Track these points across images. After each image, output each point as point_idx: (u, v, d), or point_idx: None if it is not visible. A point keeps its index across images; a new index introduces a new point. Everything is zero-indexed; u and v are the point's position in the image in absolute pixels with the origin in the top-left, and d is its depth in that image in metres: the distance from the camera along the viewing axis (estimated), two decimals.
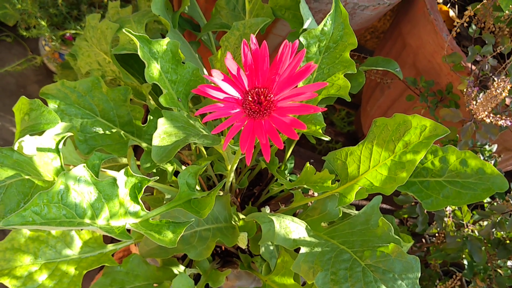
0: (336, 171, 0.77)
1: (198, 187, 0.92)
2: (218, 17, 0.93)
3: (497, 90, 0.76)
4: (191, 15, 0.97)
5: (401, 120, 0.70)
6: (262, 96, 0.53)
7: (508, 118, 0.83)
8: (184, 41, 0.93)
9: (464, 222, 0.96)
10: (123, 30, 0.73)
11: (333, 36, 0.78)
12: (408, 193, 0.85)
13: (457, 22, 0.92)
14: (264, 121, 0.52)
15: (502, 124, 0.83)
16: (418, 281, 0.69)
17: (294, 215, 0.98)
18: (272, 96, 0.53)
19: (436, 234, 1.10)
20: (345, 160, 0.76)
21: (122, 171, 0.63)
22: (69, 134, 0.69)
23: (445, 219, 0.97)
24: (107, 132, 0.82)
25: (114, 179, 0.61)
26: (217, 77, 0.51)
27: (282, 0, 0.87)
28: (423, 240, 1.31)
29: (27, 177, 0.60)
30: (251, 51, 0.52)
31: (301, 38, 0.77)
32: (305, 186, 0.84)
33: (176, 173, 0.85)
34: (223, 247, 1.02)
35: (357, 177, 0.75)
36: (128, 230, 0.65)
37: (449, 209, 0.96)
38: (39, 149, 0.65)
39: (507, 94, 0.77)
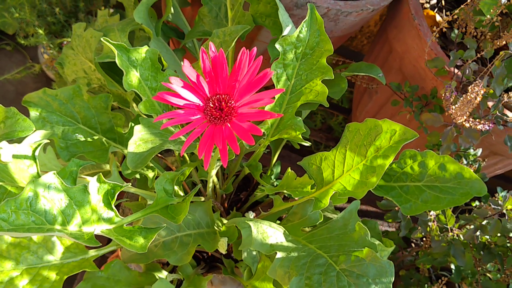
0: (311, 176, 0.78)
1: (181, 193, 0.93)
2: (201, 25, 0.94)
3: (471, 95, 0.77)
4: (176, 23, 0.98)
5: (372, 125, 0.70)
6: (223, 102, 0.54)
7: (486, 123, 0.83)
8: (168, 48, 0.95)
9: (448, 227, 0.96)
10: (101, 39, 0.75)
11: (309, 43, 0.79)
12: (387, 198, 0.85)
13: (442, 27, 0.93)
14: (225, 126, 0.53)
15: (481, 128, 0.83)
16: (391, 285, 0.69)
17: (280, 219, 0.99)
18: (233, 102, 0.54)
19: (424, 239, 1.10)
20: (320, 165, 0.77)
21: (95, 177, 0.65)
22: (46, 141, 0.70)
23: (429, 223, 0.97)
24: (89, 139, 0.84)
25: (85, 186, 0.62)
26: (176, 84, 0.52)
27: (262, 7, 0.88)
28: (413, 245, 1.31)
29: (0, 183, 0.61)
30: (210, 58, 0.53)
31: (277, 45, 0.77)
32: (285, 191, 0.85)
33: None
34: (209, 253, 1.03)
35: (332, 181, 0.76)
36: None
37: (433, 213, 0.97)
38: (15, 156, 0.66)
39: (481, 99, 0.77)
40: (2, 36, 1.75)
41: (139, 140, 0.73)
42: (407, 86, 1.01)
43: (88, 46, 0.93)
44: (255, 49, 0.52)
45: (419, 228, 0.97)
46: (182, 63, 0.99)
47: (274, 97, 0.82)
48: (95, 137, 0.84)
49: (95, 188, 0.64)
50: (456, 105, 0.81)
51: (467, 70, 0.90)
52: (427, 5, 1.15)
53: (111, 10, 1.67)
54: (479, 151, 0.98)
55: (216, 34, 0.85)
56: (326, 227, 0.82)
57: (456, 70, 0.97)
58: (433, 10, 1.15)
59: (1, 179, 0.62)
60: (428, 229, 0.98)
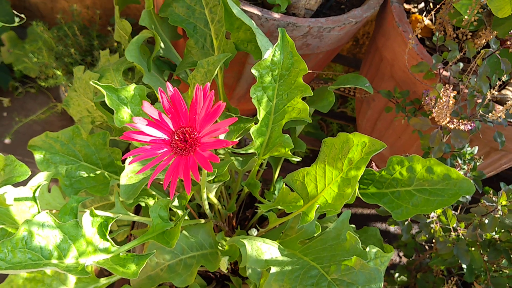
0: (296, 191, 0.81)
1: (186, 217, 0.98)
2: (189, 56, 0.99)
3: (444, 99, 0.78)
4: (168, 57, 1.04)
5: (344, 139, 0.73)
6: (187, 134, 0.58)
7: (468, 123, 0.84)
8: (162, 81, 1.00)
9: (450, 227, 0.97)
10: (91, 82, 0.81)
11: (284, 65, 0.83)
12: (379, 204, 0.88)
13: (417, 33, 0.95)
14: (189, 156, 0.57)
15: (463, 128, 0.85)
16: None
17: None
18: (195, 133, 0.58)
19: (433, 240, 1.11)
20: (303, 181, 0.80)
21: (87, 212, 0.70)
22: (45, 182, 0.76)
23: (432, 225, 0.98)
24: (91, 174, 0.90)
25: (77, 221, 0.67)
26: (140, 123, 0.57)
27: (242, 34, 0.92)
28: (427, 247, 1.31)
29: (0, 226, 0.67)
30: (168, 97, 0.57)
31: (253, 70, 0.81)
32: (279, 207, 0.89)
33: None
34: (222, 272, 1.07)
35: (316, 195, 0.79)
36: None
37: (433, 215, 0.98)
38: (16, 199, 0.72)
39: (454, 101, 0.79)
40: (26, 79, 1.86)
41: (131, 172, 0.78)
42: (397, 92, 1.03)
43: (88, 87, 1.00)
44: (208, 84, 0.57)
45: (421, 231, 0.99)
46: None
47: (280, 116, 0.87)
48: (97, 172, 0.90)
49: (89, 221, 0.70)
50: (435, 109, 0.83)
51: (450, 72, 0.92)
52: (415, 10, 1.17)
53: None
54: (476, 149, 0.99)
55: (200, 64, 0.89)
56: (320, 238, 0.85)
57: (444, 72, 0.99)
58: (422, 14, 1.17)
59: (2, 222, 0.68)
60: (432, 231, 1.00)
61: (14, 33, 1.81)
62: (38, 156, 0.87)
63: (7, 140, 1.72)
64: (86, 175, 0.89)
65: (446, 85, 0.80)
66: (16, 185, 0.76)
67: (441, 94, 0.80)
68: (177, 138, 0.59)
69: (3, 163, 0.73)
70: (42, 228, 0.65)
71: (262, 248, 0.81)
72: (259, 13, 0.98)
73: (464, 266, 1.08)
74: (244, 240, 0.81)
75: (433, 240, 1.09)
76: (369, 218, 1.73)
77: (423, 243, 1.32)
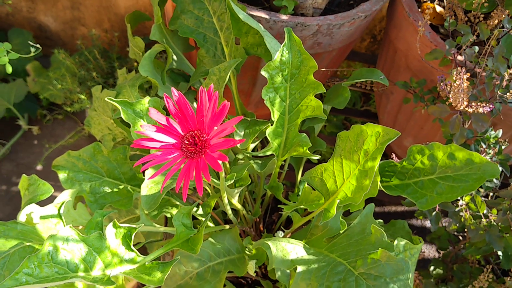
0: (316, 188, 0.81)
1: (211, 224, 0.99)
2: (202, 66, 1.00)
3: (457, 82, 0.77)
4: (181, 69, 1.05)
5: (358, 131, 0.73)
6: (196, 138, 0.59)
7: (486, 105, 0.83)
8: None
9: (481, 213, 0.95)
10: (106, 98, 0.83)
11: (293, 64, 0.83)
12: (403, 195, 0.87)
13: (427, 20, 0.94)
14: (200, 159, 0.58)
15: (482, 111, 0.83)
16: (409, 281, 0.70)
17: None
18: (204, 136, 0.59)
19: (466, 230, 1.08)
20: (322, 177, 0.80)
21: (110, 224, 0.71)
22: (68, 199, 0.78)
23: (461, 213, 0.96)
24: (115, 189, 0.91)
25: (100, 233, 0.69)
26: (148, 129, 0.58)
27: (251, 39, 0.93)
28: (460, 238, 1.28)
29: (28, 243, 0.69)
30: (174, 102, 0.58)
31: (262, 72, 0.82)
32: (302, 206, 0.88)
33: None
34: (253, 278, 1.07)
35: (336, 191, 0.78)
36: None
37: (462, 202, 0.96)
38: (42, 217, 0.74)
39: (468, 84, 0.77)
40: (53, 107, 1.91)
41: (151, 183, 0.80)
42: (414, 82, 1.02)
43: (106, 106, 1.02)
44: (212, 86, 0.58)
45: (451, 220, 0.97)
46: (194, 104, 1.06)
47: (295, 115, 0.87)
48: (121, 187, 0.92)
49: (112, 233, 0.71)
50: (451, 94, 0.82)
51: (464, 56, 0.90)
52: None
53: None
54: (500, 133, 0.97)
55: (212, 72, 0.90)
56: (345, 234, 0.84)
57: (460, 57, 0.98)
58: (433, 2, 1.15)
59: (29, 240, 0.70)
60: (462, 219, 0.97)
61: (38, 63, 1.86)
62: (62, 175, 0.89)
63: (39, 167, 1.77)
64: (110, 190, 0.91)
65: (458, 68, 0.78)
66: (42, 204, 0.79)
67: (454, 78, 0.79)
68: (187, 142, 0.59)
69: (27, 183, 0.75)
70: (66, 242, 0.66)
71: (287, 249, 0.81)
72: (267, 16, 0.98)
73: (499, 253, 1.05)
74: (269, 241, 0.81)
75: (465, 230, 1.07)
76: (404, 216, 1.70)
77: (457, 234, 1.29)
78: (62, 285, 0.88)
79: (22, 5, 1.82)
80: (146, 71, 0.97)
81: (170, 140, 0.59)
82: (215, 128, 0.58)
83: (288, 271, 0.95)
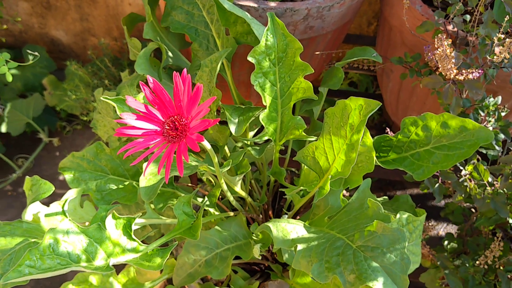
0: (310, 167, 0.82)
1: (217, 213, 1.01)
2: (197, 60, 1.02)
3: (440, 50, 0.77)
4: (178, 65, 1.08)
5: (343, 106, 0.73)
6: (176, 122, 0.61)
7: (476, 70, 0.82)
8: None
9: (485, 182, 0.94)
10: (101, 98, 0.85)
11: (279, 47, 0.84)
12: (400, 169, 0.87)
13: None
14: (181, 142, 0.60)
15: (472, 77, 0.83)
16: (405, 249, 0.71)
17: None
18: (184, 120, 0.61)
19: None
20: (314, 155, 0.80)
21: (110, 215, 0.74)
22: (73, 197, 0.81)
23: (465, 183, 0.96)
24: (120, 186, 0.94)
25: (99, 225, 0.71)
26: (129, 118, 0.60)
27: (240, 28, 0.94)
28: (473, 211, 1.27)
29: (33, 240, 0.72)
30: (150, 89, 0.60)
31: (249, 58, 0.83)
32: (302, 187, 0.89)
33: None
34: (266, 264, 1.08)
35: (329, 168, 0.79)
36: None
37: (465, 172, 0.95)
38: (47, 215, 0.78)
39: (452, 50, 0.77)
40: (71, 118, 1.96)
41: (149, 174, 0.82)
42: (408, 57, 1.02)
43: (109, 107, 1.05)
44: (185, 70, 0.59)
45: (455, 191, 0.96)
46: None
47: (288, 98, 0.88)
48: (126, 183, 0.95)
49: (112, 224, 0.74)
50: (439, 63, 0.82)
51: (453, 25, 0.90)
52: None
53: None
54: (499, 99, 0.96)
55: (204, 64, 0.92)
56: (344, 211, 0.85)
57: (452, 28, 0.97)
58: None
59: (34, 236, 0.73)
60: (467, 189, 0.97)
61: (54, 76, 1.92)
62: (68, 176, 0.92)
63: (61, 177, 1.82)
64: (115, 187, 0.94)
65: (439, 35, 0.78)
66: (47, 203, 0.82)
67: (436, 45, 0.78)
68: (167, 127, 0.61)
69: (30, 183, 0.78)
70: (67, 235, 0.69)
71: (287, 229, 0.82)
72: (255, 5, 1.00)
73: (511, 221, 1.04)
74: (269, 223, 0.82)
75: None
76: (426, 197, 1.69)
77: (470, 206, 1.27)
78: (76, 282, 0.91)
79: (34, 21, 1.88)
80: (143, 69, 1.00)
81: (151, 127, 0.62)
82: (193, 111, 0.60)
83: (293, 252, 0.96)
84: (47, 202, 0.86)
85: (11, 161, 1.80)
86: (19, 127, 1.82)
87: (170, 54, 1.05)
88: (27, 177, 0.79)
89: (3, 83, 1.86)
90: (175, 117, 0.61)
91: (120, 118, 0.62)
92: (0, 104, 1.88)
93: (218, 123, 0.96)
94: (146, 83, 0.63)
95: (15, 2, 1.82)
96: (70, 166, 0.93)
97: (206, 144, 0.67)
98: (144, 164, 0.82)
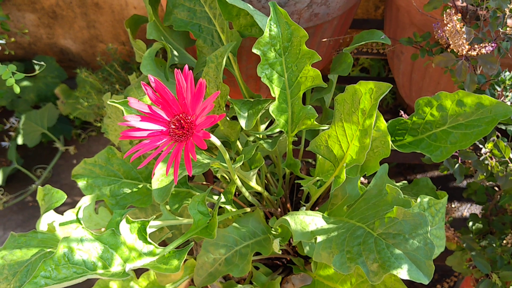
0: (324, 156, 0.80)
1: (233, 209, 0.99)
2: (202, 56, 1.01)
3: (449, 26, 0.74)
4: (184, 63, 1.06)
5: (352, 91, 0.71)
6: (182, 121, 0.60)
7: (488, 44, 0.79)
8: None
9: (507, 158, 0.91)
10: (108, 101, 0.85)
11: (284, 36, 0.82)
12: (417, 151, 0.84)
13: None
14: (188, 140, 0.58)
15: (485, 52, 0.80)
16: (428, 234, 0.68)
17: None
18: (189, 117, 0.59)
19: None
20: (327, 144, 0.79)
21: (124, 220, 0.73)
22: (85, 205, 0.80)
23: (486, 162, 0.93)
24: (134, 189, 0.93)
25: (113, 230, 0.70)
26: (133, 120, 0.59)
27: (243, 20, 0.93)
28: (497, 189, 1.23)
29: (48, 250, 0.71)
30: (153, 89, 0.59)
31: (254, 49, 0.82)
32: (318, 178, 0.88)
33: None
34: (288, 258, 1.07)
35: (344, 156, 0.77)
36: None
37: (485, 150, 0.92)
38: (61, 224, 0.77)
39: (462, 25, 0.74)
40: (86, 125, 1.96)
41: (161, 176, 0.81)
42: (417, 37, 0.99)
43: (118, 111, 1.04)
44: (186, 67, 0.58)
45: (476, 171, 0.94)
46: None
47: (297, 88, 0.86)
48: (140, 186, 0.94)
49: (127, 228, 0.73)
50: (450, 40, 0.79)
51: (461, 0, 0.87)
52: None
53: None
54: None
55: (210, 59, 0.91)
56: (363, 198, 0.83)
57: (460, 3, 0.94)
58: None
59: (50, 246, 0.72)
60: (489, 168, 0.94)
61: (65, 85, 1.92)
62: (81, 183, 0.92)
63: None
64: (129, 190, 0.93)
65: (448, 10, 0.76)
66: (63, 212, 0.82)
67: (445, 21, 0.76)
68: (173, 127, 0.60)
69: (43, 193, 0.78)
70: (81, 243, 0.68)
71: (305, 221, 0.81)
72: None
73: None
74: (286, 217, 0.81)
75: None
76: (447, 178, 1.66)
77: (493, 185, 1.24)
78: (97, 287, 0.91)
79: (42, 32, 1.88)
80: (148, 70, 0.99)
81: (157, 127, 0.60)
82: (198, 108, 0.58)
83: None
84: (62, 211, 0.86)
85: (30, 172, 1.81)
86: (35, 138, 1.83)
87: (175, 53, 1.04)
88: (39, 187, 0.79)
89: (16, 96, 1.87)
90: (181, 115, 0.60)
91: (125, 121, 0.61)
92: (15, 116, 1.90)
93: (228, 119, 0.95)
94: (149, 83, 0.62)
95: (22, 14, 1.83)
96: (83, 173, 0.92)
97: (215, 141, 0.66)
98: (159, 165, 0.82)
